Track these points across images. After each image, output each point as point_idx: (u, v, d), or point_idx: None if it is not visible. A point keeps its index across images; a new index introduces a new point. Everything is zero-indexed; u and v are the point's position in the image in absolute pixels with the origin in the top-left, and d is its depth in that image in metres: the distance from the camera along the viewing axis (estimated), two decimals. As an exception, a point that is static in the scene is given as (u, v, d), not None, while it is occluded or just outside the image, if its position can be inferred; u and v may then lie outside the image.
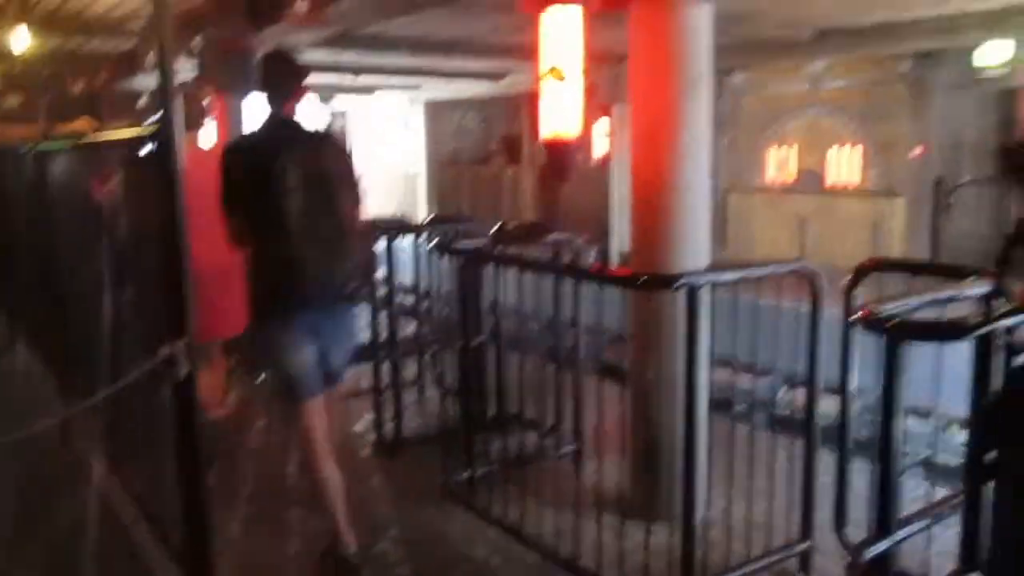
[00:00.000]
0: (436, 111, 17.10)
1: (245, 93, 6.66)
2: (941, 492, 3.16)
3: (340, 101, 17.34)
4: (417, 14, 6.56)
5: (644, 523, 3.10)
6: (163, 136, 2.19)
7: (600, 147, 11.68)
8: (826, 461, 3.04)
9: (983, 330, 1.81)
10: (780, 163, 12.19)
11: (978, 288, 2.31)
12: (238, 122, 6.89)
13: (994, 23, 7.55)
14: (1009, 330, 1.88)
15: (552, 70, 3.53)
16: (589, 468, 3.84)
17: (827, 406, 2.98)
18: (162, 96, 2.19)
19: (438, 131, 17.34)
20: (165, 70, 2.17)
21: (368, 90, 14.75)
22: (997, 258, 1.58)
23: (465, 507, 3.61)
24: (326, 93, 15.86)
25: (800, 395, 3.09)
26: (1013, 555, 1.62)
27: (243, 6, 6.39)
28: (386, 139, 18.27)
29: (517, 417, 4.25)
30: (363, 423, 4.65)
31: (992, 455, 1.74)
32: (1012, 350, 1.88)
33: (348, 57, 9.69)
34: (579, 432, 4.03)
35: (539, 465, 3.95)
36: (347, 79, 11.86)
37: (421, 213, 16.23)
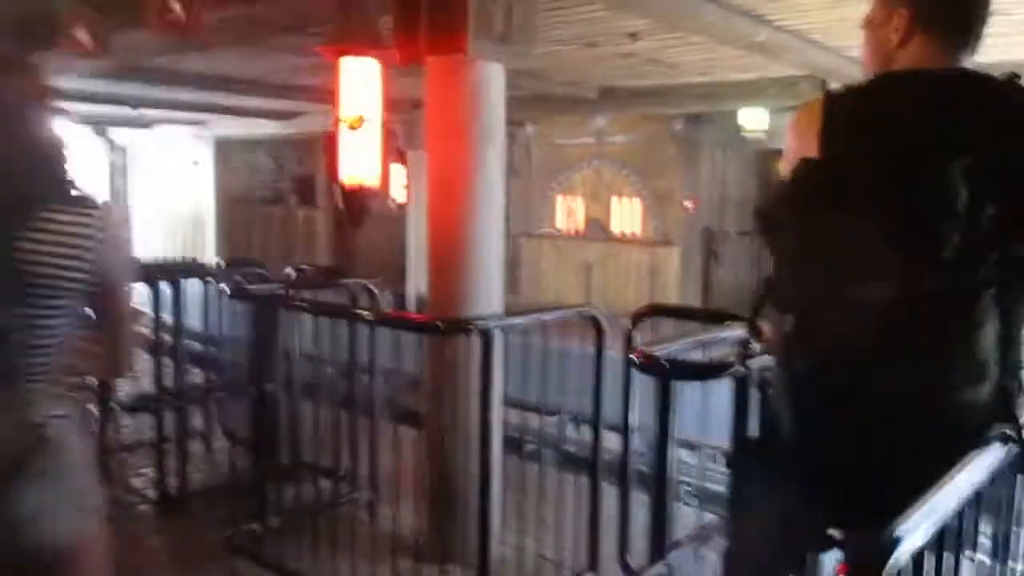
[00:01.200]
0: (226, 149, 16.52)
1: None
2: (710, 517, 3.44)
3: (117, 134, 16.34)
4: (207, 51, 6.38)
5: (439, 566, 3.14)
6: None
7: (397, 192, 11.78)
8: (611, 494, 3.23)
9: (733, 371, 2.03)
10: (568, 212, 12.84)
11: (735, 331, 2.58)
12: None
13: (750, 92, 8.45)
14: (764, 369, 2.12)
15: (351, 119, 3.57)
16: (385, 514, 3.83)
17: (611, 442, 3.18)
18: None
19: (228, 170, 16.74)
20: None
21: (146, 123, 13.99)
22: (750, 307, 1.78)
23: (254, 560, 3.48)
24: (100, 126, 14.90)
25: (587, 432, 3.27)
26: None
27: (14, 31, 5.93)
28: (170, 176, 17.38)
29: (311, 465, 4.16)
30: (143, 478, 4.37)
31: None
32: (765, 387, 2.11)
33: (128, 89, 9.20)
34: (375, 478, 4.01)
35: (334, 513, 3.88)
36: (124, 111, 11.20)
37: (209, 254, 15.52)
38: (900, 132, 1.47)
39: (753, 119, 9.54)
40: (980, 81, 1.52)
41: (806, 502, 1.58)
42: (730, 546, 1.85)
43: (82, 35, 4.87)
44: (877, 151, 1.47)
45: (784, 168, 1.59)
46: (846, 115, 1.52)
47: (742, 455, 1.96)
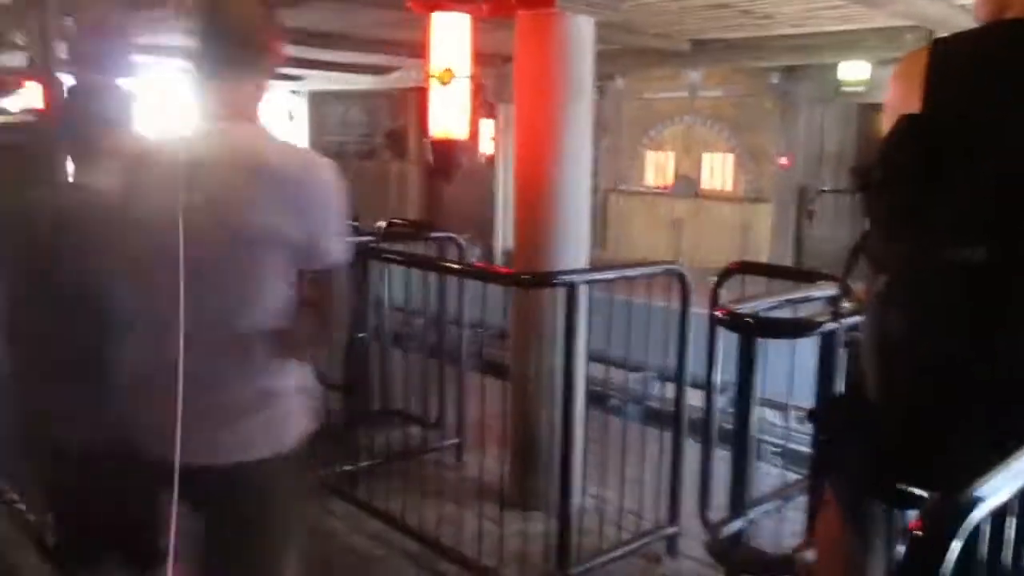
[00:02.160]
0: (320, 102, 16.84)
1: (120, 78, 6.42)
2: (794, 477, 3.42)
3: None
4: (301, 6, 6.50)
5: (522, 512, 3.23)
6: (44, 122, 2.15)
7: (486, 146, 11.83)
8: (694, 450, 3.25)
9: (824, 328, 2.01)
10: (658, 167, 12.66)
11: (826, 291, 2.54)
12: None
13: (850, 44, 8.11)
14: (852, 328, 2.09)
15: (441, 72, 3.61)
16: (471, 461, 3.95)
17: (695, 399, 3.19)
18: (44, 78, 2.15)
19: (322, 123, 17.07)
20: (46, 49, 2.12)
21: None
22: (844, 265, 1.76)
23: (347, 499, 3.64)
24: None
25: (670, 389, 3.28)
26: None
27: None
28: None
29: (401, 412, 4.31)
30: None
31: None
32: (853, 347, 2.09)
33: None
34: (462, 426, 4.13)
35: (422, 459, 4.02)
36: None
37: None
38: (1011, 85, 1.41)
39: (854, 72, 9.18)
40: None
41: (890, 461, 1.57)
42: (813, 500, 1.86)
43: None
44: (984, 106, 1.41)
45: (885, 123, 1.55)
46: (953, 66, 1.46)
47: (827, 411, 1.95)
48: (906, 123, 1.46)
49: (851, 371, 1.99)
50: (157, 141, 1.81)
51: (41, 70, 2.14)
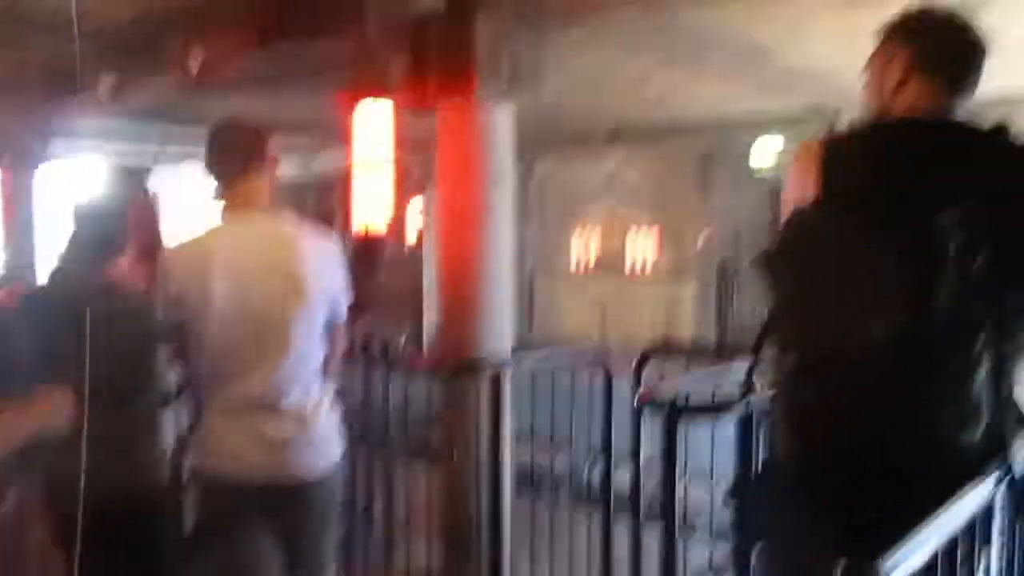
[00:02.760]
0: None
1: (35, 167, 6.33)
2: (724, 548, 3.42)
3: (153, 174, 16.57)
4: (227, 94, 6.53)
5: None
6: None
7: (412, 230, 11.89)
8: (625, 527, 3.23)
9: (739, 405, 2.06)
10: (582, 248, 12.88)
11: (744, 367, 2.61)
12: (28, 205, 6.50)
13: (764, 127, 8.50)
14: (768, 404, 2.14)
15: (363, 162, 3.65)
16: (400, 550, 3.85)
17: (623, 476, 3.20)
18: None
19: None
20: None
21: (172, 160, 14.20)
22: (752, 347, 1.82)
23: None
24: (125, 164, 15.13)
25: (599, 468, 3.29)
26: None
27: (40, 75, 6.11)
28: (196, 214, 17.60)
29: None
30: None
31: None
32: (769, 423, 2.13)
33: (152, 128, 9.39)
34: (390, 515, 4.03)
35: (348, 549, 3.90)
36: (149, 148, 11.41)
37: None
38: (895, 180, 1.52)
39: (767, 152, 9.58)
40: (971, 132, 1.57)
41: (807, 532, 1.60)
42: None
43: (107, 81, 5.03)
44: (872, 198, 1.51)
45: (784, 212, 1.64)
46: (841, 163, 1.57)
47: (744, 487, 1.99)
48: (801, 212, 1.55)
49: (768, 449, 2.03)
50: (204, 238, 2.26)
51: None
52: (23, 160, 6.37)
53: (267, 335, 2.14)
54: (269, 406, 2.12)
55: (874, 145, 1.61)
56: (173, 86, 5.34)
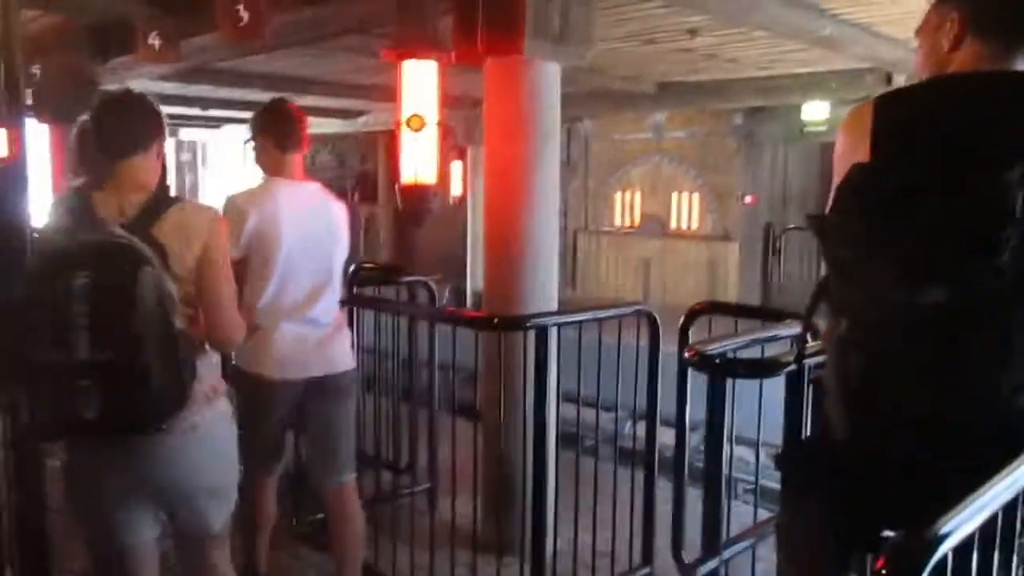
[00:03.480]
0: (289, 146, 16.82)
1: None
2: (767, 514, 3.43)
3: (187, 133, 16.81)
4: (272, 53, 6.55)
5: (496, 557, 3.21)
6: (12, 166, 2.14)
7: (456, 188, 11.90)
8: (667, 490, 3.25)
9: (789, 368, 2.04)
10: (626, 207, 12.80)
11: (792, 329, 2.58)
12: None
13: (812, 86, 8.32)
14: (819, 366, 2.12)
15: (410, 119, 3.65)
16: (443, 505, 3.91)
17: (668, 438, 3.20)
18: (10, 124, 2.15)
19: (292, 167, 17.05)
20: (14, 94, 2.13)
21: (216, 123, 14.37)
22: (806, 308, 1.79)
23: (318, 548, 3.59)
24: (171, 126, 15.36)
25: (642, 429, 3.30)
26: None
27: (90, 36, 6.19)
28: (238, 173, 17.81)
29: (372, 457, 4.27)
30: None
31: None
32: (819, 386, 2.12)
33: (197, 90, 9.48)
34: (434, 470, 4.10)
35: (394, 504, 3.98)
36: (194, 111, 11.54)
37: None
38: (953, 137, 1.46)
39: (816, 113, 9.40)
40: None
41: (857, 504, 1.59)
42: (781, 544, 1.87)
43: (155, 41, 5.07)
44: (929, 156, 1.46)
45: (836, 172, 1.60)
46: (896, 120, 1.52)
47: (793, 454, 1.97)
48: (856, 172, 1.51)
49: (817, 414, 2.02)
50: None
51: (9, 117, 2.15)
52: (69, 118, 6.47)
53: (319, 269, 2.81)
54: (314, 321, 2.81)
55: (932, 101, 1.54)
56: (219, 46, 5.38)
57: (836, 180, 1.55)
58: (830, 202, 1.58)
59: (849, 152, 1.54)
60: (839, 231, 1.55)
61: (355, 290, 3.87)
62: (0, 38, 2.29)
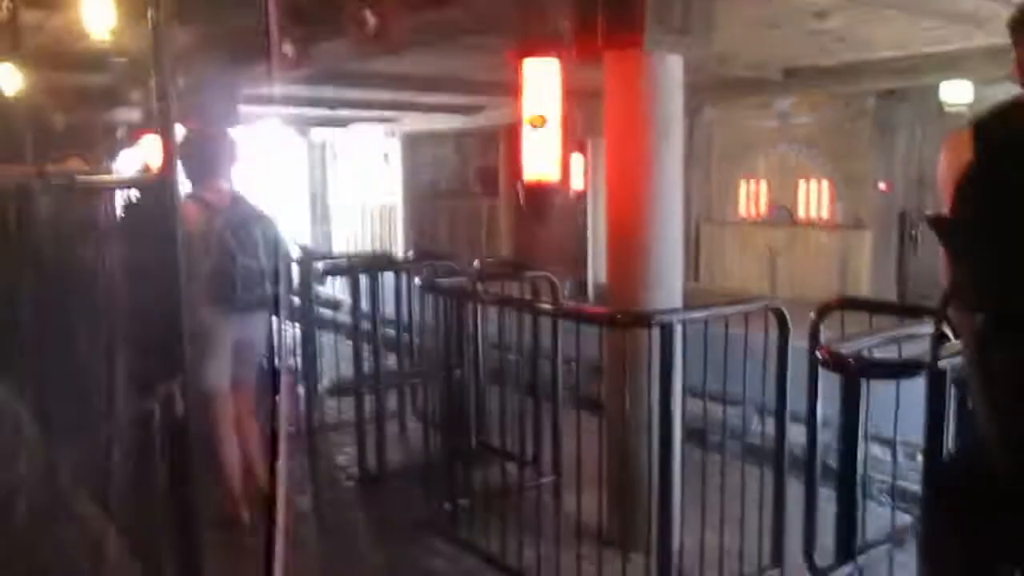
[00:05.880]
0: (413, 143, 17.27)
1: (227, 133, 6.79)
2: (905, 518, 3.30)
3: (317, 133, 17.50)
4: (397, 54, 6.73)
5: (621, 552, 3.21)
6: (164, 175, 2.29)
7: (576, 182, 11.90)
8: (796, 489, 3.17)
9: (929, 370, 1.96)
10: (751, 196, 12.46)
11: (931, 327, 2.46)
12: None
13: (951, 64, 7.86)
14: (960, 367, 2.03)
15: (533, 118, 3.69)
16: (568, 499, 3.94)
17: (797, 435, 3.12)
18: (163, 132, 2.29)
19: (415, 163, 17.49)
20: (165, 106, 2.28)
21: (342, 123, 14.88)
22: (938, 305, 1.78)
23: (446, 538, 3.69)
24: (301, 126, 16.00)
25: (771, 425, 3.22)
26: None
27: (227, 47, 6.53)
28: (364, 171, 18.39)
29: (498, 449, 4.34)
30: (346, 456, 4.73)
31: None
32: (961, 386, 2.02)
33: (325, 91, 9.84)
34: (558, 463, 4.13)
35: (519, 496, 4.04)
36: (322, 112, 11.99)
37: (399, 246, 16.32)
38: None
39: (956, 92, 8.86)
40: None
41: (1009, 523, 1.54)
42: (925, 557, 1.81)
43: (287, 49, 5.30)
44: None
45: (944, 193, 1.69)
46: (994, 141, 1.63)
47: (940, 474, 1.91)
48: (966, 180, 1.60)
49: (961, 413, 1.94)
50: None
51: (161, 124, 2.29)
52: (212, 122, 6.85)
53: None
54: None
55: (1020, 120, 1.66)
56: (347, 50, 5.57)
57: (946, 195, 1.66)
58: (952, 208, 1.66)
59: (953, 174, 1.65)
60: (961, 236, 1.60)
61: (479, 286, 3.95)
62: (152, 54, 2.44)
